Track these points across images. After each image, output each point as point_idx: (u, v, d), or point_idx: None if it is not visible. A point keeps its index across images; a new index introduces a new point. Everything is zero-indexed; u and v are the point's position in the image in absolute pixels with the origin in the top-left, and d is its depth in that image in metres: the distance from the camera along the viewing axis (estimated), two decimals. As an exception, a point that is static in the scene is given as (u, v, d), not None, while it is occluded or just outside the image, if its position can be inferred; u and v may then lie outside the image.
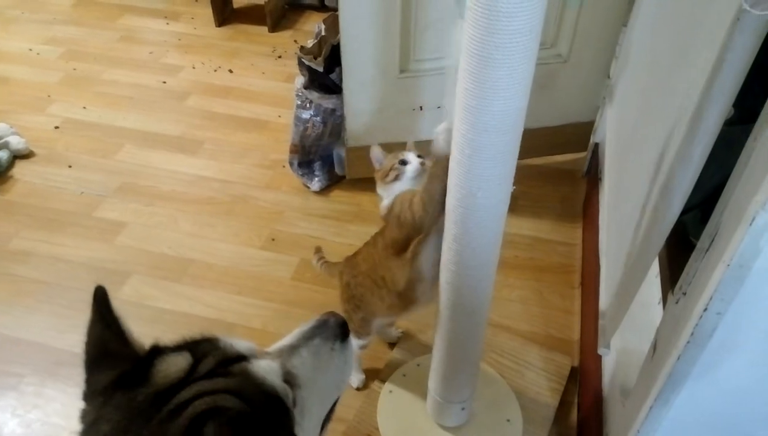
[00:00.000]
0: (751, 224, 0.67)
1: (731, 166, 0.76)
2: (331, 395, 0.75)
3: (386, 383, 1.57)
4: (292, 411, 0.64)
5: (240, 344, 0.66)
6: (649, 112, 1.32)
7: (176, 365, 0.60)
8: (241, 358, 0.63)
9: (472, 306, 1.19)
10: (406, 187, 1.28)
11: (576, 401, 1.57)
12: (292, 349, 0.70)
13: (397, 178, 1.28)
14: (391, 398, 1.54)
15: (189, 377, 0.59)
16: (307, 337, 0.72)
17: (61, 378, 1.64)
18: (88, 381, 0.62)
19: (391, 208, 1.30)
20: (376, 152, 1.33)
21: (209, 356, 0.62)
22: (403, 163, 1.28)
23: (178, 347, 0.64)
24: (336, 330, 0.74)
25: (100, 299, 0.64)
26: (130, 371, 0.60)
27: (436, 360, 1.34)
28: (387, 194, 1.32)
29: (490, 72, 0.83)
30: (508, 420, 1.49)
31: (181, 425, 0.55)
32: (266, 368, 0.63)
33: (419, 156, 1.29)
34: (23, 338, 1.74)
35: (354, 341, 1.44)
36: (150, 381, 0.59)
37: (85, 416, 0.60)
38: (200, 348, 0.63)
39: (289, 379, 0.66)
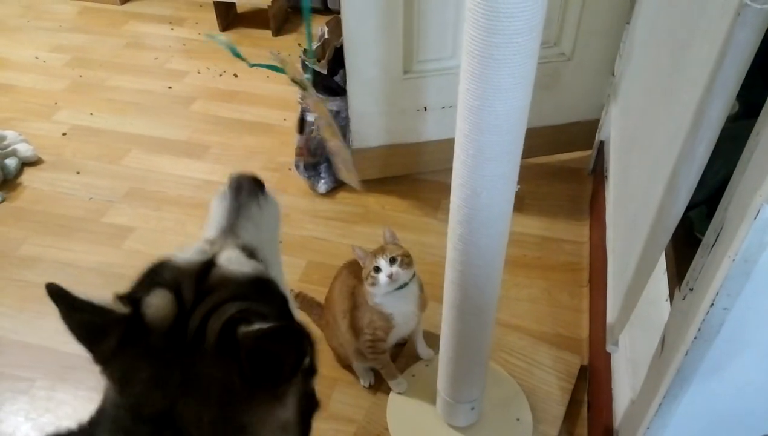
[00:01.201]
0: (755, 218, 0.67)
1: (736, 162, 0.76)
2: (276, 236, 0.80)
3: (395, 384, 1.57)
4: (270, 277, 0.69)
5: (192, 253, 0.69)
6: (653, 108, 1.32)
7: (162, 305, 0.63)
8: (208, 265, 0.67)
9: (479, 306, 1.19)
10: (383, 292, 1.40)
11: (586, 399, 1.56)
12: (232, 227, 0.74)
13: (373, 284, 1.38)
14: (400, 398, 1.55)
15: (182, 309, 0.63)
16: (235, 209, 0.76)
17: (71, 382, 1.65)
18: (94, 353, 0.64)
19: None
20: (358, 252, 1.42)
21: (183, 284, 0.64)
22: (377, 270, 1.37)
23: (147, 287, 0.65)
24: (251, 188, 0.78)
25: (58, 294, 0.64)
26: (126, 330, 0.62)
27: (444, 360, 1.35)
28: (374, 294, 1.43)
29: (491, 72, 0.84)
30: (518, 419, 1.49)
31: (213, 345, 0.60)
32: (233, 260, 0.68)
33: (392, 259, 1.38)
34: (33, 343, 1.75)
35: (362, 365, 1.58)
36: (150, 327, 0.62)
37: (110, 375, 0.64)
38: (166, 278, 0.65)
39: (249, 251, 0.71)
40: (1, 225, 2.11)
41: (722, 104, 0.80)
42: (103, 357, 0.64)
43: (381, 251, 1.39)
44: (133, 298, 0.64)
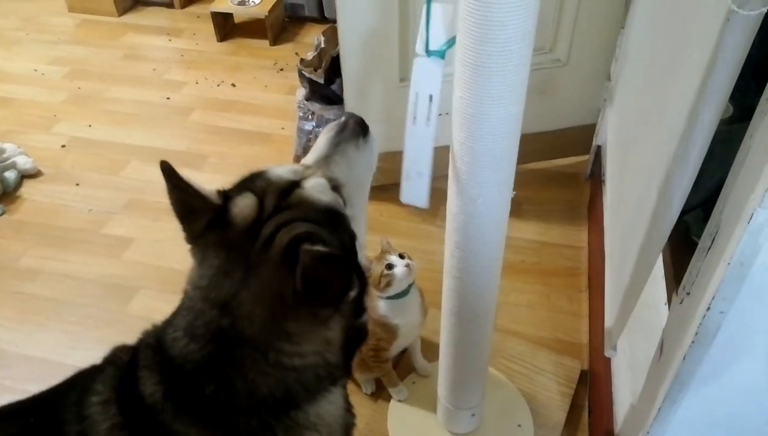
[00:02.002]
0: (749, 222, 0.67)
1: (731, 165, 0.76)
2: (366, 182, 0.87)
3: (395, 392, 1.57)
4: (345, 212, 0.77)
5: (285, 170, 0.78)
6: (648, 112, 1.32)
7: (247, 206, 0.73)
8: (293, 184, 0.75)
9: (477, 312, 1.19)
10: (400, 289, 1.40)
11: (587, 404, 1.56)
12: (327, 159, 0.82)
13: (389, 284, 1.38)
14: (401, 406, 1.55)
15: (261, 215, 0.72)
16: (335, 143, 0.84)
17: (72, 395, 1.65)
18: (186, 230, 0.76)
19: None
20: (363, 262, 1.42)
21: (268, 194, 0.74)
22: (390, 267, 1.38)
23: (240, 189, 0.76)
24: (355, 129, 0.85)
25: (168, 172, 0.75)
26: (214, 217, 0.73)
27: (444, 367, 1.35)
28: (383, 296, 1.43)
29: (484, 80, 0.84)
30: (519, 425, 1.49)
31: (278, 254, 0.69)
32: (316, 187, 0.76)
33: (401, 256, 1.40)
34: (33, 356, 1.75)
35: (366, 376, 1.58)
36: (232, 222, 0.72)
37: (194, 254, 0.76)
38: (257, 186, 0.75)
39: (334, 184, 0.78)
40: (1, 238, 2.11)
41: (714, 108, 0.81)
42: (192, 236, 0.75)
43: (385, 252, 1.41)
44: (227, 195, 0.75)
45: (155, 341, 0.79)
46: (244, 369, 0.72)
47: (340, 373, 0.80)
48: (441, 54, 0.98)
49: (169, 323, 0.78)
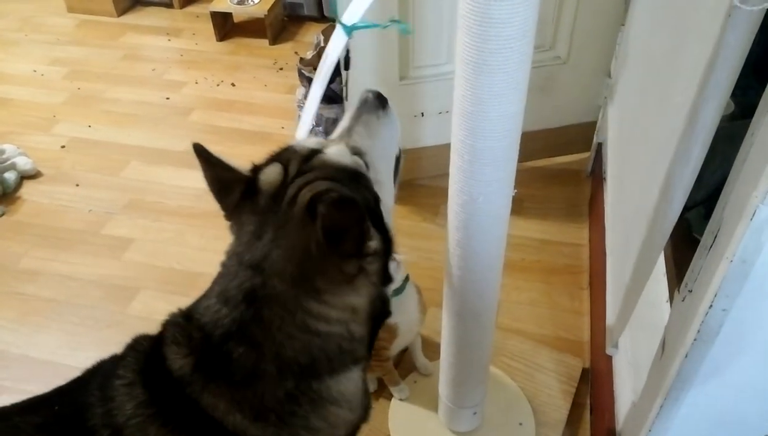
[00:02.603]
0: (752, 219, 0.67)
1: (733, 162, 0.76)
2: (389, 152, 0.91)
3: (397, 391, 1.57)
4: (367, 174, 0.82)
5: (310, 141, 0.84)
6: (649, 109, 1.32)
7: (273, 173, 0.78)
8: (316, 151, 0.80)
9: (479, 310, 1.19)
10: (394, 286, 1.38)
11: (588, 402, 1.56)
12: (349, 130, 0.88)
13: None
14: (402, 404, 1.54)
15: (285, 179, 0.77)
16: (357, 117, 0.89)
17: (73, 396, 1.65)
18: (223, 206, 0.82)
19: None
20: None
21: (292, 161, 0.79)
22: None
23: (268, 161, 0.82)
24: (375, 103, 0.90)
25: (201, 152, 0.82)
26: (245, 188, 0.79)
27: (445, 366, 1.34)
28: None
29: (485, 78, 0.84)
30: (521, 424, 1.49)
31: (300, 211, 0.73)
32: (337, 152, 0.80)
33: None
34: (34, 357, 1.75)
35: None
36: (261, 189, 0.78)
37: (232, 228, 0.81)
38: (284, 156, 0.81)
39: (356, 151, 0.84)
40: (1, 239, 2.11)
41: (716, 105, 0.81)
42: (228, 211, 0.81)
43: None
44: (257, 167, 0.81)
45: (183, 318, 0.83)
46: (272, 330, 0.76)
47: (362, 351, 0.83)
48: (348, 30, 1.05)
49: (201, 298, 0.82)
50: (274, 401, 0.78)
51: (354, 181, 0.78)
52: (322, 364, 0.79)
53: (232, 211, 0.81)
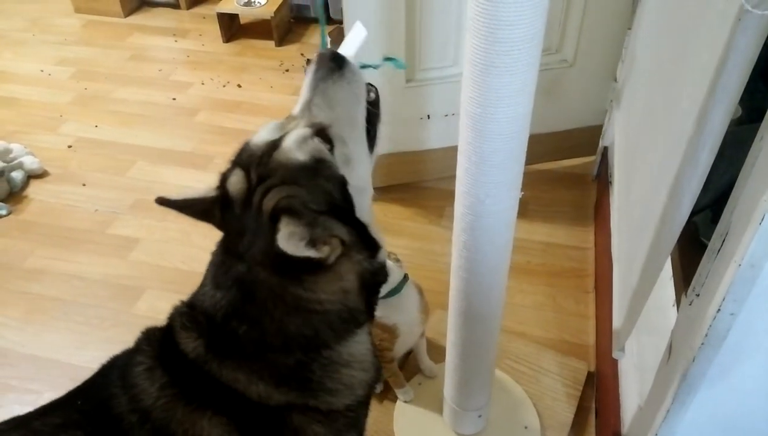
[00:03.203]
0: (761, 223, 0.67)
1: (741, 166, 0.76)
2: (356, 115, 0.86)
3: (401, 393, 1.57)
4: (328, 158, 0.79)
5: (267, 131, 0.82)
6: (656, 114, 1.32)
7: (237, 182, 0.80)
8: (272, 146, 0.79)
9: (484, 313, 1.19)
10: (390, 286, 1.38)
11: (594, 406, 1.56)
12: (308, 103, 0.83)
13: None
14: (407, 406, 1.54)
15: (249, 185, 0.79)
16: (313, 86, 0.84)
17: (78, 395, 1.65)
18: (214, 225, 0.85)
19: None
20: None
21: (252, 165, 0.79)
22: None
23: (231, 167, 0.82)
24: (329, 65, 0.83)
25: (166, 203, 0.84)
26: (221, 204, 0.82)
27: (450, 368, 1.34)
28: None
29: (493, 80, 0.84)
30: (526, 427, 1.49)
31: (266, 221, 0.76)
32: (292, 144, 0.78)
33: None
34: (40, 356, 1.76)
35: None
36: (232, 199, 0.80)
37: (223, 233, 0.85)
38: (243, 159, 0.81)
39: (317, 127, 0.80)
40: (8, 238, 2.12)
41: (725, 109, 0.80)
42: (218, 225, 0.84)
43: None
44: (224, 177, 0.83)
45: (187, 306, 0.87)
46: (268, 309, 0.79)
47: (363, 317, 0.85)
48: None
49: (198, 288, 0.86)
50: (288, 369, 0.81)
51: (313, 176, 0.78)
52: (326, 334, 0.82)
53: (219, 224, 0.85)
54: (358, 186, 0.82)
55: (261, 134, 0.83)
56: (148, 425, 0.79)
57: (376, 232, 0.86)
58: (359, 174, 0.84)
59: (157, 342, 0.87)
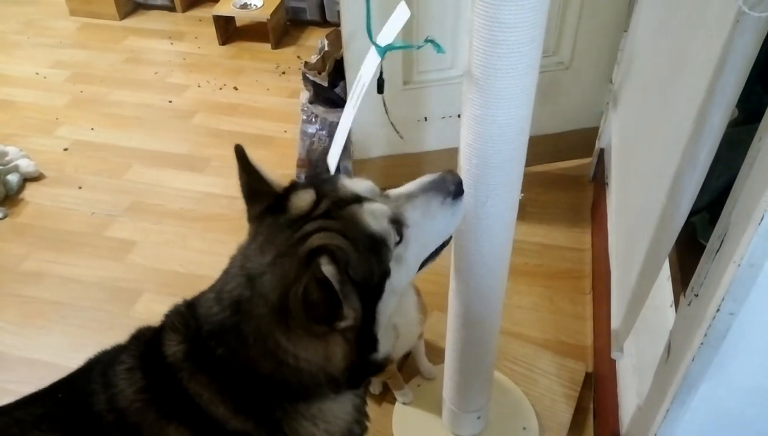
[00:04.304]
0: (760, 223, 0.67)
1: (738, 167, 0.76)
2: (433, 240, 0.88)
3: (400, 394, 1.57)
4: (390, 248, 0.79)
5: (360, 185, 0.82)
6: (653, 115, 1.33)
7: (304, 200, 0.79)
8: (356, 199, 0.79)
9: (484, 314, 1.19)
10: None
11: (592, 406, 1.56)
12: (409, 197, 0.84)
13: None
14: (406, 408, 1.54)
15: (312, 211, 0.77)
16: (425, 189, 0.86)
17: (76, 398, 1.64)
18: (248, 210, 0.83)
19: None
20: None
21: (327, 198, 0.78)
22: None
23: (308, 185, 0.81)
24: (450, 187, 0.86)
25: (241, 156, 0.84)
26: (273, 203, 0.80)
27: (450, 370, 1.34)
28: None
29: (494, 82, 0.85)
30: (524, 428, 1.49)
31: (304, 252, 0.73)
32: (374, 212, 0.78)
33: None
34: (37, 359, 1.75)
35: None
36: (287, 210, 0.79)
37: (249, 232, 0.82)
38: (324, 188, 0.80)
39: (398, 219, 0.81)
40: (4, 241, 2.11)
41: (723, 111, 0.81)
42: (252, 216, 0.82)
43: None
44: (294, 185, 0.82)
45: (185, 307, 0.85)
46: (248, 345, 0.77)
47: (342, 388, 0.82)
48: (382, 52, 1.04)
49: (206, 290, 0.84)
50: (250, 401, 0.80)
51: (370, 249, 0.77)
52: (296, 387, 0.79)
53: (254, 218, 0.83)
54: (392, 287, 0.81)
55: (353, 183, 0.82)
56: (123, 426, 0.79)
57: (386, 335, 0.83)
58: (399, 279, 0.82)
59: (145, 341, 0.86)
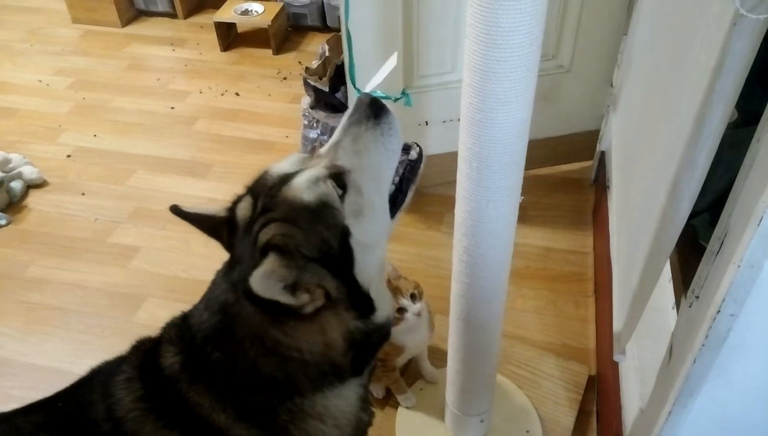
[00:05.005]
0: (759, 224, 0.68)
1: (737, 169, 0.77)
2: (383, 169, 0.83)
3: (403, 398, 1.57)
4: (335, 207, 0.77)
5: (287, 163, 0.82)
6: (653, 118, 1.33)
7: (243, 209, 0.81)
8: (283, 180, 0.79)
9: (486, 317, 1.19)
10: (409, 327, 1.38)
11: (595, 409, 1.56)
12: (335, 145, 0.82)
13: (397, 324, 1.35)
14: (409, 412, 1.54)
15: (253, 214, 0.79)
16: (345, 129, 0.83)
17: (80, 404, 1.65)
18: (221, 244, 0.86)
19: None
20: None
21: (261, 194, 0.80)
22: (401, 311, 1.35)
23: (245, 193, 0.83)
24: (366, 111, 0.82)
25: (179, 213, 0.87)
26: (229, 225, 0.83)
27: (452, 373, 1.35)
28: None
29: (493, 86, 0.85)
30: (528, 431, 1.49)
31: (257, 255, 0.75)
32: (301, 183, 0.77)
33: (413, 296, 1.37)
34: (41, 365, 1.76)
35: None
36: (238, 223, 0.81)
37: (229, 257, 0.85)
38: (256, 187, 0.82)
39: (336, 171, 0.79)
40: (8, 248, 2.12)
41: (722, 113, 0.81)
42: (225, 246, 0.85)
43: (396, 290, 1.37)
44: (236, 201, 0.84)
45: (181, 319, 0.87)
46: (245, 346, 0.78)
47: (347, 374, 0.83)
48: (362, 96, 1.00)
49: (198, 302, 0.86)
50: (253, 407, 0.80)
51: (313, 220, 0.75)
52: (301, 382, 0.80)
53: (227, 246, 0.85)
54: (364, 241, 0.78)
55: (280, 164, 0.82)
56: (120, 434, 0.80)
57: (380, 293, 0.83)
58: (369, 230, 0.80)
59: (144, 353, 0.87)
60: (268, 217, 0.77)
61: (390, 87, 0.94)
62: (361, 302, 0.80)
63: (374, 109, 0.81)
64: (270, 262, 0.72)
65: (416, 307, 1.36)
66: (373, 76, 0.91)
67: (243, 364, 0.79)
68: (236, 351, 0.79)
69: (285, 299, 0.72)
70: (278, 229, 0.75)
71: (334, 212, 0.76)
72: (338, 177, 0.78)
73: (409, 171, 0.87)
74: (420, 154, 0.88)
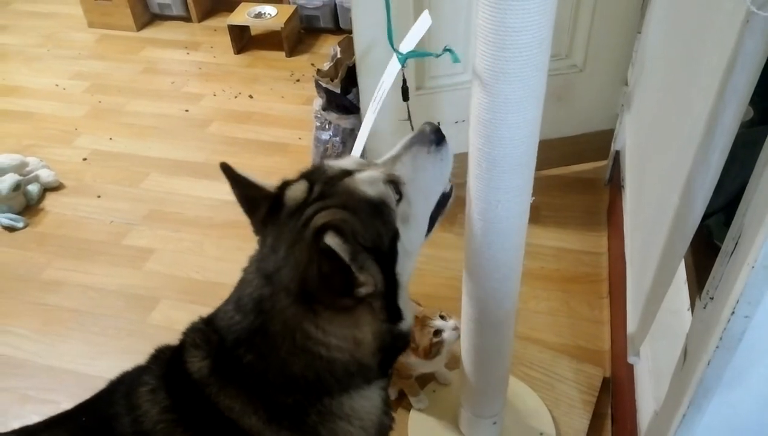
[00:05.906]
0: (773, 225, 0.67)
1: (753, 168, 0.76)
2: (433, 189, 0.90)
3: (415, 400, 1.57)
4: (393, 208, 0.81)
5: (347, 162, 0.85)
6: (666, 117, 1.32)
7: (298, 190, 0.81)
8: (346, 173, 0.81)
9: (498, 318, 1.19)
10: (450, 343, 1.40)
11: (609, 412, 1.55)
12: (395, 158, 0.88)
13: (439, 351, 1.39)
14: (421, 415, 1.54)
15: (308, 198, 0.79)
16: (407, 146, 0.89)
17: (95, 405, 1.66)
18: (252, 223, 0.86)
19: None
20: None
21: (319, 181, 0.81)
22: (438, 333, 1.38)
23: (298, 177, 0.84)
24: (430, 137, 0.89)
25: (227, 171, 0.86)
26: (272, 205, 0.82)
27: (465, 375, 1.34)
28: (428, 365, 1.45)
29: (502, 86, 0.84)
30: (542, 434, 1.48)
31: (310, 235, 0.75)
32: (366, 178, 0.80)
33: (442, 317, 1.39)
34: (57, 366, 1.78)
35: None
36: (285, 205, 0.80)
37: (259, 242, 0.84)
38: (313, 174, 0.83)
39: (393, 179, 0.83)
40: (25, 250, 2.15)
41: (734, 111, 0.80)
42: (256, 227, 0.84)
43: (425, 318, 1.39)
44: (286, 183, 0.84)
45: (203, 323, 0.86)
46: (276, 346, 0.78)
47: (373, 375, 0.83)
48: (402, 59, 1.07)
49: (222, 304, 0.85)
50: (284, 408, 0.80)
51: (372, 214, 0.78)
52: (329, 382, 0.80)
53: (259, 226, 0.84)
54: (405, 247, 0.82)
55: (340, 161, 0.85)
56: None
57: (406, 303, 0.85)
58: (411, 238, 0.84)
59: (165, 361, 0.86)
60: (326, 202, 0.78)
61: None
62: (393, 306, 0.81)
63: (437, 137, 0.89)
64: (332, 236, 0.72)
65: (451, 323, 1.38)
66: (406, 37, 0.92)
67: (274, 364, 0.78)
68: (268, 351, 0.78)
69: (352, 264, 0.72)
70: (338, 214, 0.76)
71: (391, 212, 0.80)
72: (395, 184, 0.83)
73: (440, 203, 0.93)
74: (451, 189, 0.95)
